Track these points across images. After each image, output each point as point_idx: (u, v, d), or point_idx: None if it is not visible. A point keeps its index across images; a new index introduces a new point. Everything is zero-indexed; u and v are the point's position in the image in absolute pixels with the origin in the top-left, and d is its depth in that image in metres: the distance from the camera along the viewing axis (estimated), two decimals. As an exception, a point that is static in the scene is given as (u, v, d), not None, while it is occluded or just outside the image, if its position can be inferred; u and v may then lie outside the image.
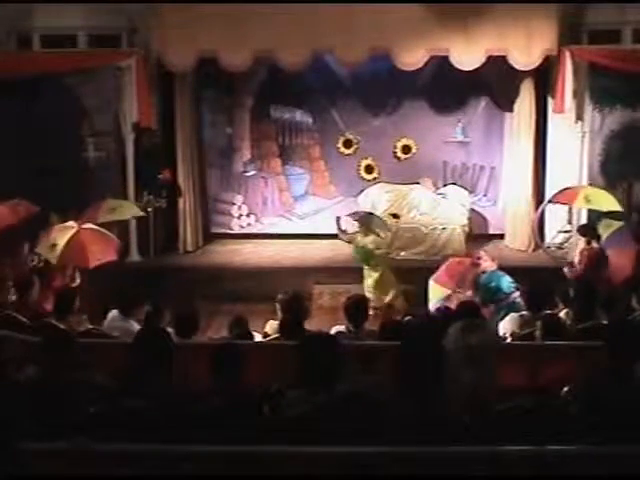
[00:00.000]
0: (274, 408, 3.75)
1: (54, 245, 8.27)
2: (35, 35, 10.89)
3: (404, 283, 10.67)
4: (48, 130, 10.31)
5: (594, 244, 8.99)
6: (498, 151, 12.60)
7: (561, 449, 3.27)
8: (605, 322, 5.96)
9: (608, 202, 9.56)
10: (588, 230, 9.23)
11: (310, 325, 7.19)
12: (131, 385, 3.86)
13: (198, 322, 6.35)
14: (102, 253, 8.47)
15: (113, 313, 6.78)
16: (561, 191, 9.96)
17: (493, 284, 8.42)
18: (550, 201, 10.21)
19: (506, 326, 6.47)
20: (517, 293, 8.01)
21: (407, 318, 7.01)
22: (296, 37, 10.51)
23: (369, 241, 9.83)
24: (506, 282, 8.36)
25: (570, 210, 11.28)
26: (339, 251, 11.16)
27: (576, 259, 9.05)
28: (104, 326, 6.70)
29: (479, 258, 8.86)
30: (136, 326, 6.46)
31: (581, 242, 9.13)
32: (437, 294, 8.45)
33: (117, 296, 7.05)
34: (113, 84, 10.85)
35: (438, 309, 7.17)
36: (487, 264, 8.78)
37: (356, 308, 6.23)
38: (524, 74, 11.46)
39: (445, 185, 12.43)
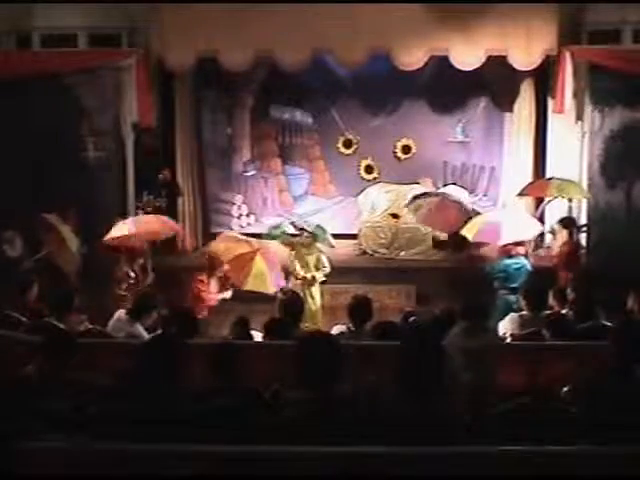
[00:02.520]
0: (274, 408, 3.75)
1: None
2: (35, 35, 10.88)
3: (404, 283, 10.70)
4: (48, 130, 10.30)
5: (574, 237, 9.27)
6: (498, 151, 12.60)
7: (561, 449, 3.27)
8: (605, 322, 5.97)
9: (576, 191, 10.14)
10: (570, 223, 9.36)
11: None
12: (133, 386, 3.86)
13: (198, 322, 6.34)
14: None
15: (120, 314, 6.73)
16: (531, 184, 10.35)
17: (517, 270, 8.55)
18: (521, 194, 10.48)
19: (506, 326, 6.47)
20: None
21: (412, 318, 6.99)
22: (296, 37, 10.50)
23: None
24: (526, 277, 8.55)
25: (570, 210, 11.27)
26: (339, 251, 11.15)
27: (555, 250, 9.19)
28: (109, 326, 6.68)
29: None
30: (141, 330, 6.45)
31: (563, 233, 9.23)
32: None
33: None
34: (113, 84, 10.83)
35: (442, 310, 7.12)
36: (521, 250, 8.93)
37: (359, 308, 6.23)
38: (524, 74, 11.46)
39: (445, 185, 12.42)
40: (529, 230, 9.21)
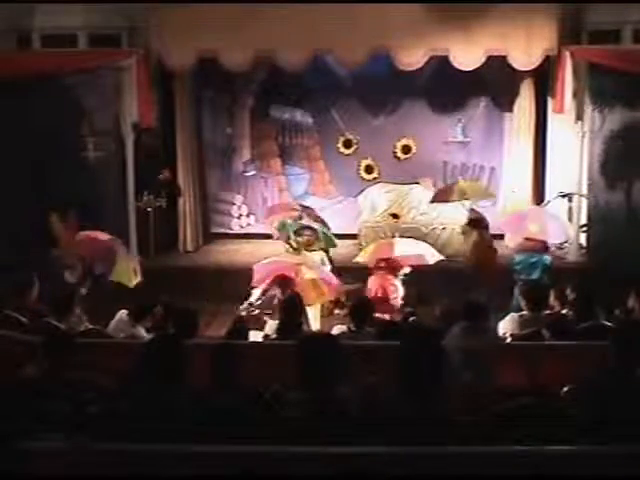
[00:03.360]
0: (274, 408, 3.75)
1: None
2: (35, 35, 10.88)
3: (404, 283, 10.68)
4: (48, 130, 10.30)
5: (484, 235, 9.46)
6: (498, 151, 12.61)
7: (561, 449, 3.27)
8: (605, 322, 5.97)
9: (480, 193, 10.70)
10: (478, 223, 9.58)
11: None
12: (133, 386, 3.86)
13: (198, 322, 6.34)
14: None
15: (122, 315, 6.70)
16: (440, 189, 10.96)
17: (532, 265, 8.59)
18: (432, 201, 10.84)
19: (506, 326, 6.46)
20: None
21: (411, 318, 6.99)
22: (296, 37, 10.51)
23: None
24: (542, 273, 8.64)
25: (570, 210, 11.28)
26: (339, 251, 11.15)
27: (468, 250, 9.35)
28: (110, 326, 6.66)
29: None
30: (143, 333, 6.43)
31: (474, 234, 9.45)
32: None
33: (130, 299, 6.97)
34: (113, 84, 10.83)
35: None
36: (540, 245, 8.99)
37: (360, 309, 6.24)
38: (524, 74, 11.47)
39: (445, 185, 12.42)
40: (553, 235, 9.32)
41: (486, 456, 3.24)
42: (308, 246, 9.16)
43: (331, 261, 9.49)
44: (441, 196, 10.67)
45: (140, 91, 10.82)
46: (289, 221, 9.81)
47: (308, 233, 9.23)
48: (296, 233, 9.38)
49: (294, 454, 3.23)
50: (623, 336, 4.08)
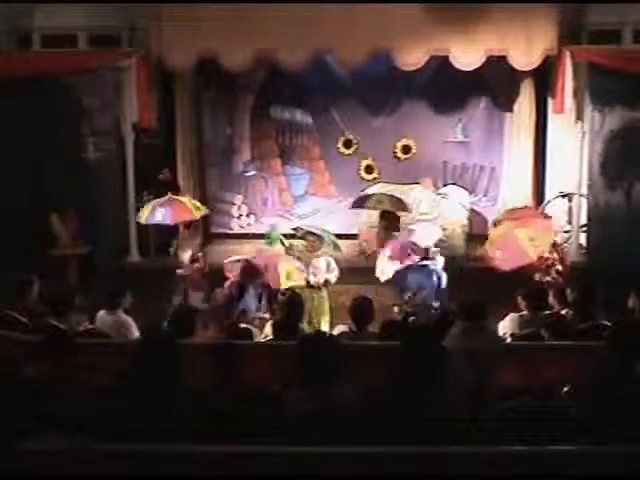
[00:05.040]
0: (274, 408, 3.75)
1: None
2: (35, 35, 10.88)
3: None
4: (48, 130, 10.30)
5: None
6: (498, 151, 12.59)
7: (561, 449, 3.27)
8: (605, 322, 5.97)
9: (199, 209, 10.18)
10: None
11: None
12: (132, 386, 3.86)
13: (196, 322, 6.34)
14: None
15: (100, 314, 6.81)
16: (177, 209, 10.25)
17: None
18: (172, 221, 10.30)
19: (506, 326, 6.47)
20: None
21: (411, 318, 6.99)
22: (296, 37, 10.50)
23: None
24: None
25: (570, 210, 11.28)
26: (339, 251, 11.16)
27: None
28: (97, 327, 6.71)
29: None
30: (123, 316, 6.62)
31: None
32: None
33: (101, 295, 7.07)
34: (113, 84, 10.84)
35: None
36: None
37: (360, 310, 6.23)
38: (524, 74, 11.46)
39: (445, 185, 12.42)
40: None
41: (486, 456, 3.24)
42: (311, 251, 9.17)
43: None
44: (178, 216, 10.12)
45: (140, 91, 10.83)
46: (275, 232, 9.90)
47: (312, 239, 9.23)
48: (301, 238, 9.41)
49: (294, 454, 3.23)
50: (622, 336, 4.09)
